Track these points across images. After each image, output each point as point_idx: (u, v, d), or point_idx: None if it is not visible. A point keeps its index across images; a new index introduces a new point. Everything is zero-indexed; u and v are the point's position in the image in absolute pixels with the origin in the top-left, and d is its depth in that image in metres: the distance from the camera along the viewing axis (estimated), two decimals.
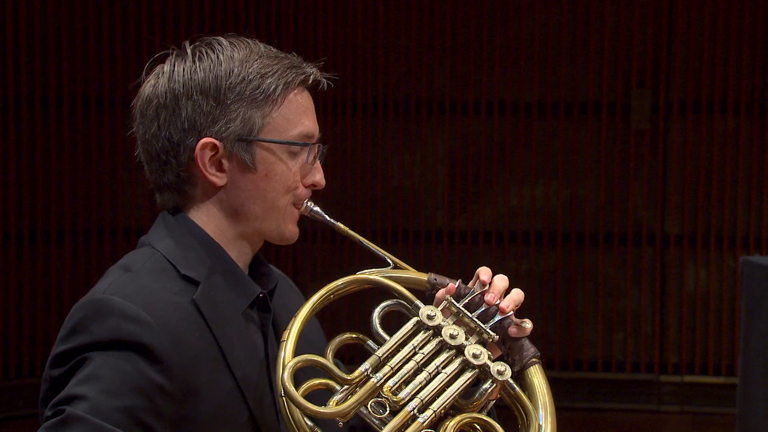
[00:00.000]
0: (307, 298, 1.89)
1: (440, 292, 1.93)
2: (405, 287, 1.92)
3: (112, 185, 6.27)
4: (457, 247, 6.45)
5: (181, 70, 1.90)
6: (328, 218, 1.98)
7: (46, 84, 6.11)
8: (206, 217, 1.92)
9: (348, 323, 6.04)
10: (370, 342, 1.88)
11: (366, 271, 1.94)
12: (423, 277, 1.97)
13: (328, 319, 2.17)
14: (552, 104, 6.37)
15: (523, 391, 1.87)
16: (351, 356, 2.29)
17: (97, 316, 1.77)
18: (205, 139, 1.88)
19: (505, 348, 1.91)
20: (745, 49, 6.22)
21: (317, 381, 1.81)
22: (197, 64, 1.90)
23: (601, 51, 6.32)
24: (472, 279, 1.95)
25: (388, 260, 1.97)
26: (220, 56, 1.90)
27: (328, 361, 1.83)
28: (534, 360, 1.90)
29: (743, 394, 4.21)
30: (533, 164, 6.40)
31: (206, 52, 1.91)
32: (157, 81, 1.93)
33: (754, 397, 4.11)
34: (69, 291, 6.18)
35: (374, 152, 6.46)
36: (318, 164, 1.96)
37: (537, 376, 1.89)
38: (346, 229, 1.99)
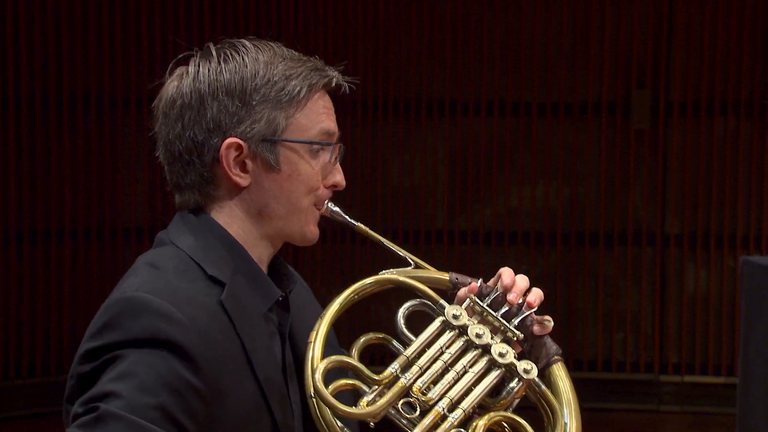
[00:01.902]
0: (332, 299, 1.91)
1: (462, 291, 1.95)
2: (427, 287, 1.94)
3: (112, 185, 6.27)
4: (457, 247, 6.45)
5: (207, 71, 1.91)
6: (348, 218, 2.00)
7: (46, 84, 6.11)
8: (229, 218, 1.93)
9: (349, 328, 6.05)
10: (395, 342, 1.91)
11: (388, 271, 1.97)
12: (444, 276, 1.99)
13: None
14: (552, 104, 6.37)
15: (548, 388, 1.89)
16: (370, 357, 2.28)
17: (130, 313, 1.78)
18: (230, 139, 1.88)
19: (528, 346, 1.93)
20: (745, 49, 6.22)
21: (344, 381, 1.83)
22: (222, 66, 1.90)
23: (601, 51, 6.32)
24: (492, 278, 1.97)
25: (409, 260, 1.99)
26: (245, 58, 1.91)
27: (358, 363, 1.84)
28: (557, 358, 1.93)
29: (743, 394, 4.21)
30: (533, 164, 6.40)
31: (231, 54, 1.92)
32: (181, 82, 1.93)
33: (754, 397, 4.11)
34: (69, 291, 6.18)
35: (374, 152, 6.46)
36: (338, 165, 1.98)
37: (560, 374, 1.92)
38: (366, 229, 2.01)
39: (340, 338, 2.10)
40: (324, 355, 1.84)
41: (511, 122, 6.41)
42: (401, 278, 1.95)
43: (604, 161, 6.36)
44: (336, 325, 1.95)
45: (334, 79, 1.96)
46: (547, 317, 1.94)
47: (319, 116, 1.93)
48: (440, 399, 1.82)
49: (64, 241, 6.19)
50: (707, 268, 6.33)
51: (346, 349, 2.07)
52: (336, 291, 1.92)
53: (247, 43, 1.93)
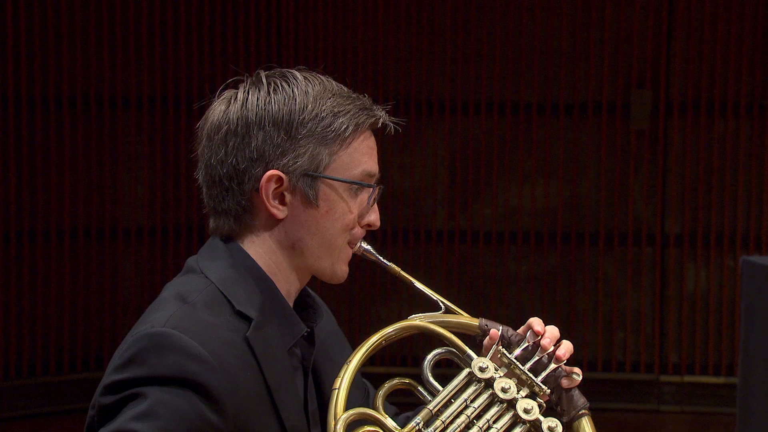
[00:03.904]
0: (358, 346, 1.89)
1: (490, 340, 1.94)
2: (456, 332, 1.93)
3: (112, 185, 6.27)
4: (457, 247, 6.45)
5: (255, 99, 1.89)
6: (381, 258, 1.99)
7: (46, 84, 6.11)
8: (261, 249, 1.91)
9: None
10: (420, 388, 1.90)
11: (417, 316, 1.95)
12: (474, 322, 1.97)
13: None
14: (552, 104, 6.37)
15: None
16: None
17: (156, 349, 1.76)
18: (271, 171, 1.87)
19: (555, 397, 1.92)
20: (745, 49, 6.22)
21: (368, 428, 1.82)
22: (272, 96, 1.89)
23: (601, 51, 6.32)
24: (522, 326, 1.95)
25: (440, 304, 1.97)
26: (295, 90, 1.89)
27: (380, 414, 1.84)
28: (584, 412, 1.93)
29: (743, 394, 4.21)
30: (533, 164, 6.40)
31: (281, 84, 1.90)
32: (228, 107, 1.91)
33: (754, 397, 4.11)
34: (69, 291, 6.18)
35: None
36: (375, 205, 1.97)
37: (587, 429, 1.92)
38: (399, 270, 2.00)
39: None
40: (349, 396, 1.83)
41: (511, 122, 6.41)
42: (429, 326, 1.93)
43: (604, 161, 6.36)
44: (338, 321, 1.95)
45: (381, 119, 1.96)
46: (577, 370, 1.93)
47: (362, 156, 1.93)
48: None
49: (64, 241, 6.19)
50: (707, 268, 6.33)
51: (368, 380, 2.08)
52: (350, 306, 1.91)
53: (298, 74, 1.92)
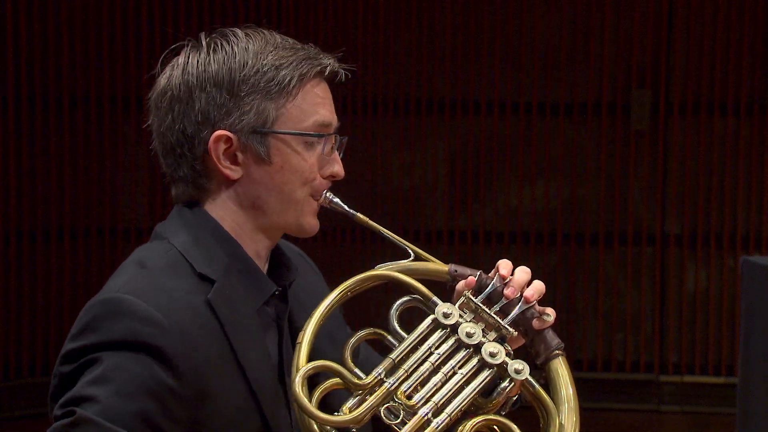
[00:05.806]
0: (322, 297, 1.86)
1: (460, 285, 1.91)
2: (425, 279, 1.90)
3: (112, 185, 6.27)
4: (457, 247, 6.45)
5: (195, 62, 1.88)
6: (347, 208, 1.95)
7: (46, 84, 6.11)
8: (222, 211, 1.90)
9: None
10: (390, 337, 1.86)
11: (384, 265, 1.92)
12: (444, 268, 1.94)
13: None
14: (552, 104, 6.37)
15: (547, 383, 1.85)
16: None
17: (109, 315, 1.76)
18: (218, 132, 1.86)
19: (529, 339, 1.89)
20: (745, 49, 6.22)
21: (336, 380, 1.80)
22: (211, 56, 1.88)
23: (601, 51, 6.32)
24: (492, 270, 1.92)
25: (409, 251, 1.95)
26: (235, 48, 1.88)
27: (341, 366, 1.80)
28: (557, 352, 1.88)
29: (743, 394, 4.21)
30: (533, 164, 6.40)
31: (221, 44, 1.89)
32: (172, 73, 1.90)
33: (754, 397, 4.11)
34: (69, 291, 6.18)
35: (374, 152, 6.46)
36: (336, 155, 1.93)
37: (560, 369, 1.87)
38: (366, 219, 1.98)
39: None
40: (322, 350, 1.82)
41: (511, 122, 6.41)
42: (393, 274, 1.89)
43: (604, 161, 6.36)
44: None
45: (329, 68, 1.91)
46: (549, 311, 1.89)
47: (313, 107, 1.89)
48: (424, 404, 1.77)
49: (64, 241, 6.19)
50: (707, 268, 6.33)
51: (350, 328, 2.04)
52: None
53: (239, 31, 1.90)
